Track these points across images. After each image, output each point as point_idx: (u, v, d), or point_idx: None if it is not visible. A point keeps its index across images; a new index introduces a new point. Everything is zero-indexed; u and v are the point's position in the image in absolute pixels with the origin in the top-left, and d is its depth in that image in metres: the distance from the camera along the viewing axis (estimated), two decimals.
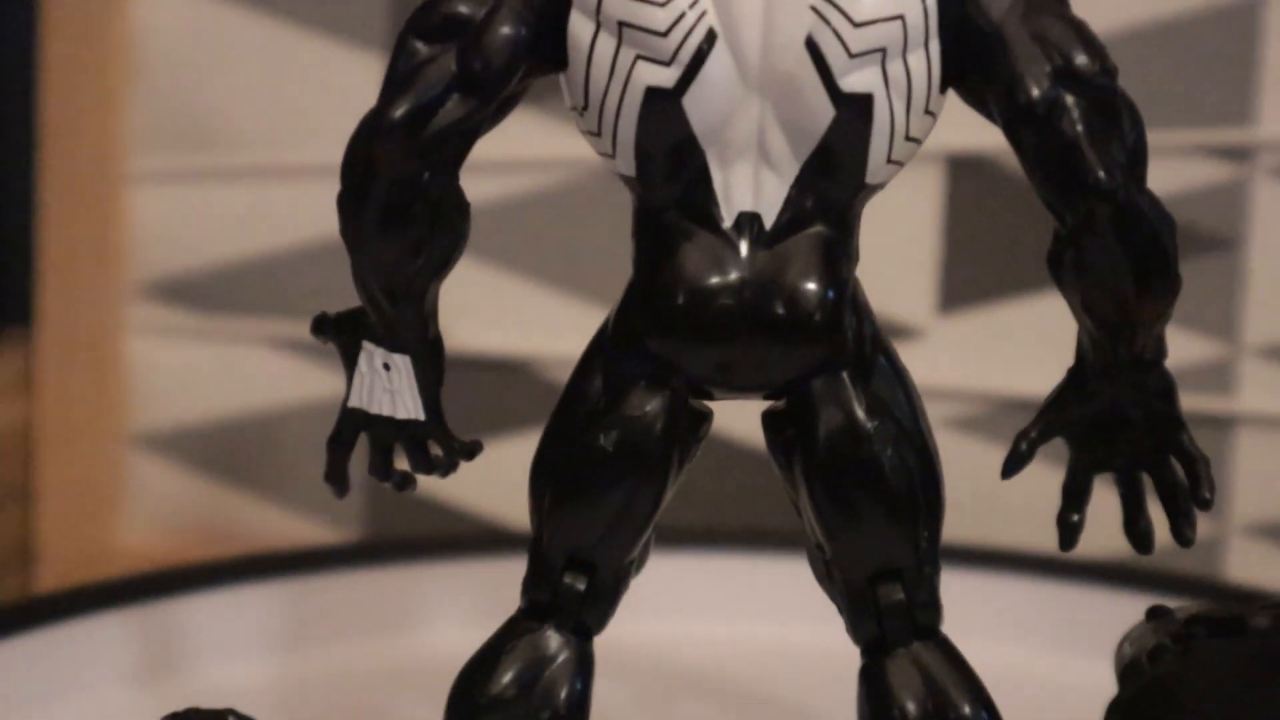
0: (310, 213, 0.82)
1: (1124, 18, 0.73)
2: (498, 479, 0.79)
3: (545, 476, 0.40)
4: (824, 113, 0.37)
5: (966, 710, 0.38)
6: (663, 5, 0.37)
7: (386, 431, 0.42)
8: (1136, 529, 0.39)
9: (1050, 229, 0.38)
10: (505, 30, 0.38)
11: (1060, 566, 0.66)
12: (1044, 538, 0.68)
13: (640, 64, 0.37)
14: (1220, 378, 0.73)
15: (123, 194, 0.83)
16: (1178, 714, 0.40)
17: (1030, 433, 0.38)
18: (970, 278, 0.76)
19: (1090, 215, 0.36)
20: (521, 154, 0.76)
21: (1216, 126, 0.72)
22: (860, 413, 0.38)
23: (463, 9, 0.39)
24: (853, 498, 0.39)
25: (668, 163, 0.38)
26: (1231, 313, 0.73)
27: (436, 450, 0.42)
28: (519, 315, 0.79)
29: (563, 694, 0.40)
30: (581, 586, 0.40)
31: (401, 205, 0.40)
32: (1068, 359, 0.39)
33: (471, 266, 0.79)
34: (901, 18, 0.36)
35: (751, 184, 0.38)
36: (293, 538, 0.82)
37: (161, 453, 0.84)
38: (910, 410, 0.39)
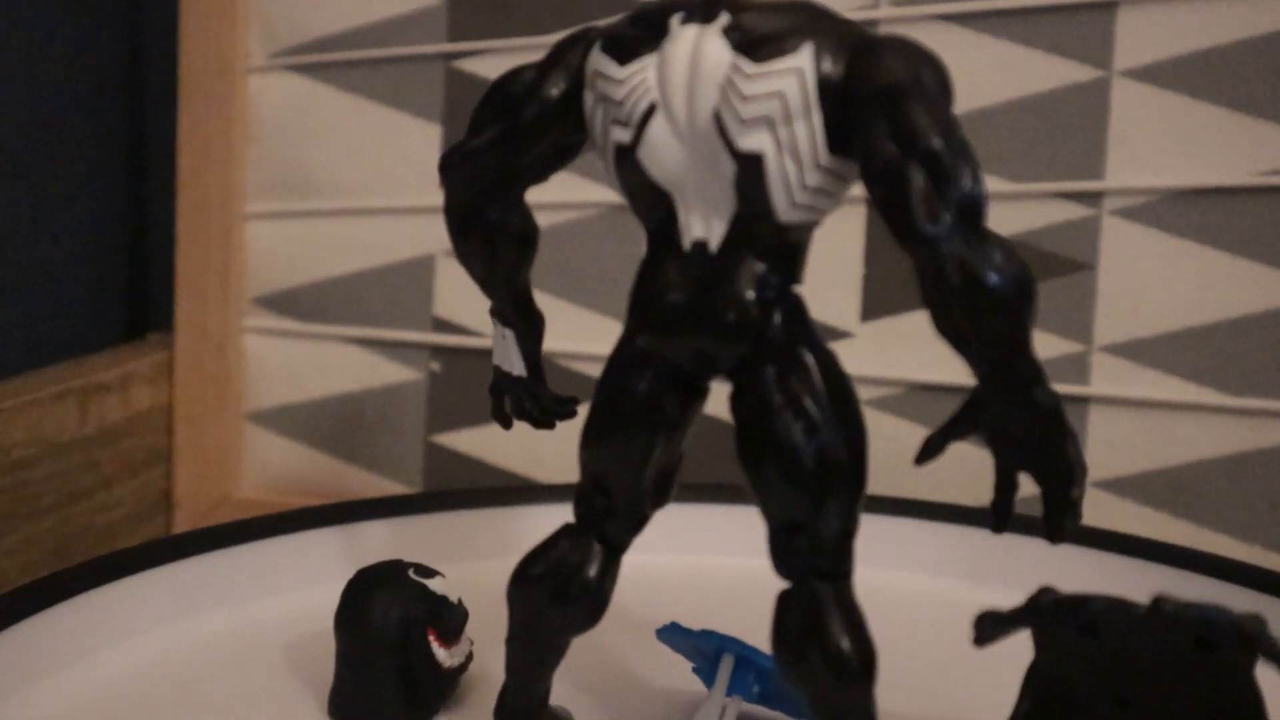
0: (383, 244, 0.82)
1: (1006, 92, 0.73)
2: (528, 445, 0.80)
3: (584, 428, 0.42)
4: (729, 166, 0.37)
5: (843, 643, 0.37)
6: (620, 82, 0.38)
7: (512, 384, 0.46)
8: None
9: None
10: (536, 105, 0.40)
11: (957, 513, 0.66)
12: (944, 491, 0.69)
13: (613, 126, 0.39)
14: (1077, 368, 0.73)
15: (241, 228, 0.83)
16: (1092, 681, 0.39)
17: (939, 434, 0.37)
18: (886, 293, 0.76)
19: (920, 258, 0.35)
20: (548, 199, 0.77)
21: (1075, 178, 0.72)
22: (774, 399, 0.38)
23: (515, 90, 0.41)
24: (761, 464, 0.38)
25: (645, 201, 0.39)
26: (1085, 319, 0.73)
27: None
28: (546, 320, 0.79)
29: (590, 573, 0.42)
30: (602, 505, 0.42)
31: (466, 223, 0.43)
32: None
33: None
34: (781, 94, 0.36)
35: (703, 219, 0.38)
36: (371, 491, 0.82)
37: (270, 426, 0.84)
38: (828, 402, 0.38)
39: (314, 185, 0.82)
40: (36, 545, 0.72)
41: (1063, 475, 0.35)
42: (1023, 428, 0.35)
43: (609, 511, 0.42)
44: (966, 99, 0.74)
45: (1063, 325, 0.73)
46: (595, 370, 0.76)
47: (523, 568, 0.43)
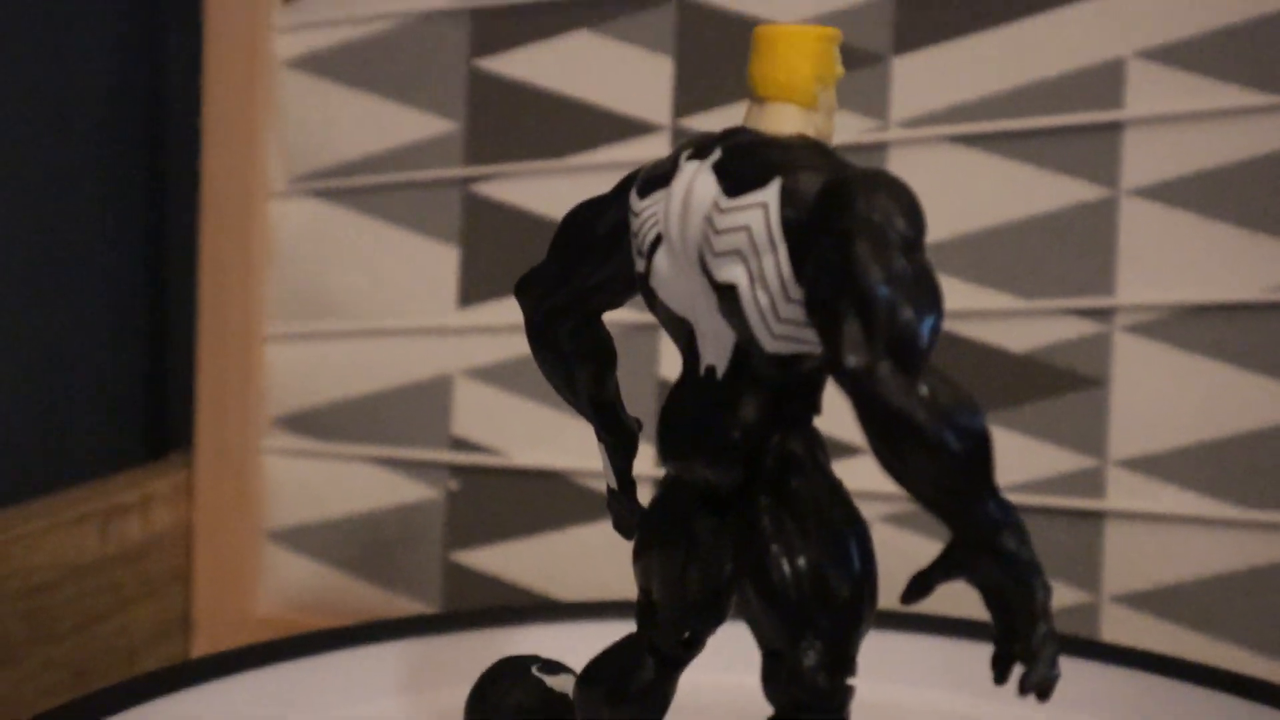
0: (402, 364, 0.83)
1: (1015, 211, 0.74)
2: (548, 563, 0.80)
3: (635, 538, 0.43)
4: (712, 297, 0.38)
5: None
6: (638, 214, 0.39)
7: (609, 496, 0.46)
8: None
9: None
10: (591, 232, 0.42)
11: (976, 628, 0.65)
12: (961, 607, 0.69)
13: (636, 256, 0.40)
14: (1093, 483, 0.73)
15: (262, 349, 0.84)
16: None
17: (923, 576, 0.36)
18: None
19: (846, 392, 0.34)
20: None
21: (1086, 294, 0.73)
22: (762, 527, 0.38)
23: (579, 218, 0.43)
24: (746, 590, 0.39)
25: (672, 328, 0.40)
26: (1099, 434, 0.73)
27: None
28: (559, 437, 0.80)
29: (642, 679, 0.43)
30: (648, 615, 0.42)
31: (539, 341, 0.44)
32: None
33: (522, 400, 0.80)
34: (747, 228, 0.36)
35: (714, 346, 0.39)
36: (391, 610, 0.82)
37: (290, 546, 0.85)
38: (819, 536, 0.38)
39: (333, 307, 0.83)
40: (57, 669, 0.72)
41: (1024, 625, 0.34)
42: (992, 576, 0.34)
43: (654, 622, 0.42)
44: (976, 218, 0.74)
45: (1077, 440, 0.73)
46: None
47: (587, 669, 0.44)
